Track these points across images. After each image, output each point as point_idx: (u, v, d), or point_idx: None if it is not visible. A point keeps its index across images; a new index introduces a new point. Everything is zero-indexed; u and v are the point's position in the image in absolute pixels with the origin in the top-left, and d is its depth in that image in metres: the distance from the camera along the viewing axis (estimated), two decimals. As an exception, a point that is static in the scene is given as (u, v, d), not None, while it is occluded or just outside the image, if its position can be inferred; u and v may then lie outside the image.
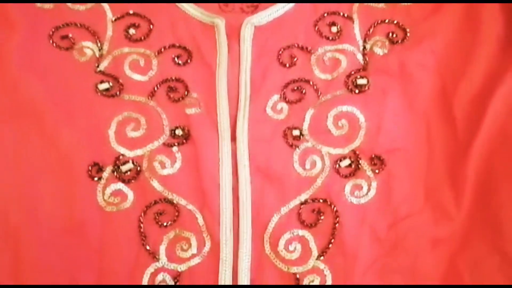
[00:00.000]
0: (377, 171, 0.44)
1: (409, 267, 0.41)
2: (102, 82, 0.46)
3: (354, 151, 0.45)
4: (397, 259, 0.41)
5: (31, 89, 0.45)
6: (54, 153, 0.43)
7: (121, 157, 0.44)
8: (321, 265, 0.41)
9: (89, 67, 0.47)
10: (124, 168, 0.44)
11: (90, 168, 0.43)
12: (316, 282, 0.41)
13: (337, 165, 0.44)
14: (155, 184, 0.43)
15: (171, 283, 0.41)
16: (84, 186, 0.43)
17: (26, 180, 0.42)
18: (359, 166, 0.44)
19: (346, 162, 0.44)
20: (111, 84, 0.46)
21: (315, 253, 0.42)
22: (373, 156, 0.44)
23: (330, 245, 0.42)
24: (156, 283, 0.41)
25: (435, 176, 0.43)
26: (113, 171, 0.44)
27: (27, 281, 0.40)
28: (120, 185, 0.43)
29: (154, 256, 0.42)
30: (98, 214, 0.42)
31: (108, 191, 0.43)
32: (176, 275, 0.41)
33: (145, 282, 0.41)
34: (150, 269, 0.41)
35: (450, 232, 0.41)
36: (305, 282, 0.41)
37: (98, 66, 0.47)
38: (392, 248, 0.41)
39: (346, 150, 0.45)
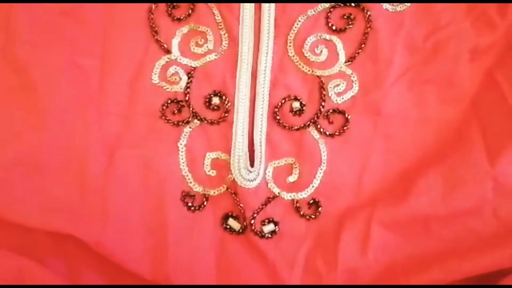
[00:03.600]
0: (417, -22, 0.39)
1: (445, 77, 0.37)
2: None
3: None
4: (434, 67, 0.37)
5: None
6: None
7: None
8: (348, 71, 0.38)
9: None
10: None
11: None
12: (342, 87, 0.38)
13: (375, -30, 0.39)
14: (168, -25, 0.39)
15: (184, 77, 0.38)
16: None
17: None
18: (398, -28, 0.39)
19: (385, -33, 0.39)
20: None
21: (342, 58, 0.38)
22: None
23: (360, 51, 0.38)
24: (168, 76, 0.38)
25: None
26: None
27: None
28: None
29: (166, 50, 0.38)
30: None
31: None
32: (190, 70, 0.38)
33: (156, 73, 0.37)
34: (161, 62, 0.38)
35: (491, 41, 0.37)
36: (330, 86, 0.38)
37: None
38: (429, 57, 0.38)
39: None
